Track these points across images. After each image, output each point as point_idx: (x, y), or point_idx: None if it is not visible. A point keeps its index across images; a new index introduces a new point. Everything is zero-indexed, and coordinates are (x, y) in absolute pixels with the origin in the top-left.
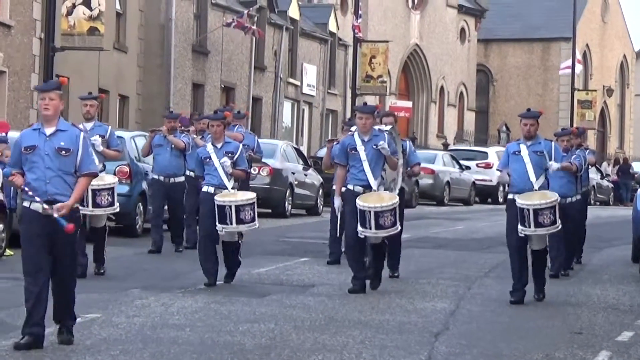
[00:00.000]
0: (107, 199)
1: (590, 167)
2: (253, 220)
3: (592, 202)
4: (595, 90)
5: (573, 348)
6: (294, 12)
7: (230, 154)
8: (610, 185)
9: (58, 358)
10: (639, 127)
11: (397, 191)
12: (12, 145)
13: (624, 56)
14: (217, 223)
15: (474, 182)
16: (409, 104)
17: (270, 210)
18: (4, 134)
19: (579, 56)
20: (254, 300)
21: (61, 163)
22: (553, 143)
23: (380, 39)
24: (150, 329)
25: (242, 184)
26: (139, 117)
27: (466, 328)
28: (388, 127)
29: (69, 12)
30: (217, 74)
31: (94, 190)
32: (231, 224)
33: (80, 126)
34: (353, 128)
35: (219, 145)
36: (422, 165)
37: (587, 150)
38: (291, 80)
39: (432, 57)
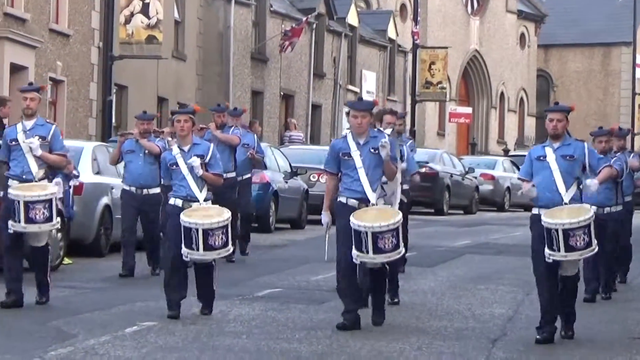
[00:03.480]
0: (43, 213)
1: (634, 172)
2: (225, 245)
3: None
4: None
5: (632, 354)
6: (352, 18)
7: (200, 158)
8: None
9: None
10: None
11: (397, 206)
12: None
13: None
14: (182, 246)
15: None
16: (469, 110)
17: None
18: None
19: (639, 60)
20: (312, 307)
21: None
22: (586, 144)
23: (439, 45)
24: (207, 336)
25: (243, 189)
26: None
27: (524, 334)
28: (388, 131)
29: (127, 21)
30: (276, 82)
31: (27, 203)
32: (197, 249)
33: (19, 126)
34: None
35: (186, 148)
36: (483, 171)
37: (632, 154)
38: (350, 87)
39: (492, 62)
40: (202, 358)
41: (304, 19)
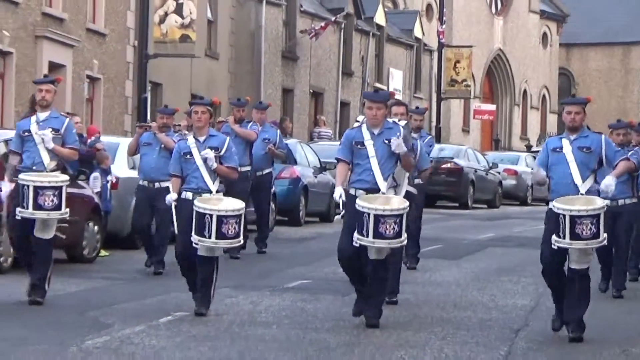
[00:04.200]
0: (52, 201)
1: None
2: (237, 236)
3: None
4: None
5: None
6: (380, 18)
7: (215, 150)
8: None
9: (149, 355)
10: None
11: (401, 195)
12: None
13: None
14: (192, 234)
15: None
16: (492, 107)
17: None
18: (96, 137)
19: None
20: (339, 298)
21: None
22: (603, 137)
23: (464, 44)
24: (239, 326)
25: (262, 184)
26: None
27: (545, 324)
28: (403, 123)
29: (162, 21)
30: (305, 79)
31: (36, 188)
32: (210, 237)
33: (33, 118)
34: (359, 118)
35: (201, 139)
36: (506, 167)
37: None
38: (378, 84)
39: (515, 61)
40: (233, 347)
41: (333, 18)
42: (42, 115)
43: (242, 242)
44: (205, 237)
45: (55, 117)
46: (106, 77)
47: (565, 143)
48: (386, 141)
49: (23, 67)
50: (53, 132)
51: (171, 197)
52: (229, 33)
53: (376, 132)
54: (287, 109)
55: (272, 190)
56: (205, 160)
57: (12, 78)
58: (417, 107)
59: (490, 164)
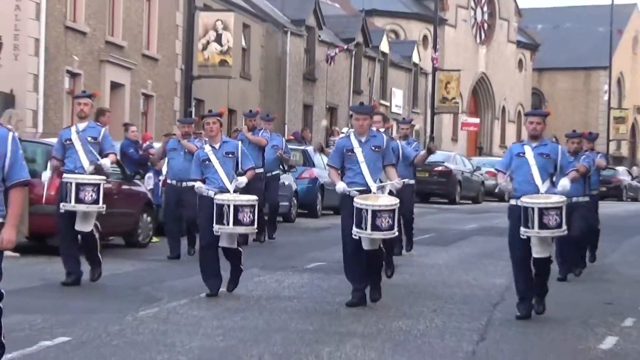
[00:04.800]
0: (92, 196)
1: (601, 170)
2: (252, 223)
3: (624, 198)
4: (628, 109)
5: (605, 315)
6: (384, 47)
7: (230, 154)
8: (639, 185)
9: (191, 323)
10: None
11: (386, 193)
12: None
13: None
14: (214, 224)
15: None
16: (477, 120)
17: None
18: (149, 142)
19: (614, 81)
20: None
21: None
22: (560, 147)
23: (454, 68)
24: (265, 300)
25: (271, 183)
26: None
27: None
28: (382, 129)
29: (204, 48)
30: (322, 97)
31: (78, 185)
32: (228, 224)
33: (73, 128)
34: (344, 130)
35: (217, 146)
36: (488, 169)
37: (599, 154)
38: (382, 101)
39: (495, 82)
40: (261, 317)
41: (346, 46)
42: (81, 125)
43: (256, 230)
44: (224, 224)
45: (92, 127)
46: (158, 94)
47: (528, 149)
48: (373, 147)
49: (89, 86)
50: (92, 139)
51: (199, 185)
52: (259, 58)
53: (363, 139)
54: (307, 121)
55: (294, 189)
56: (237, 187)
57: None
58: (403, 119)
59: (475, 167)
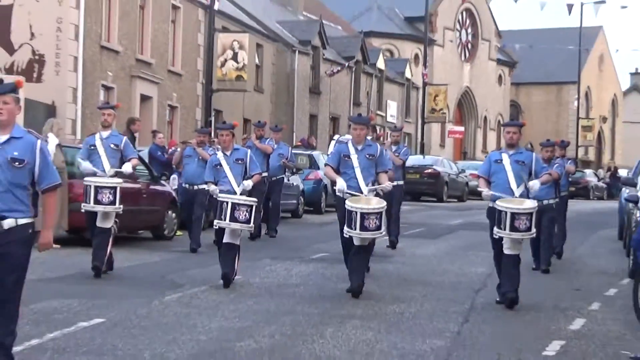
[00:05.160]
0: (109, 198)
1: (571, 175)
2: (247, 222)
3: (591, 197)
4: (594, 119)
5: (574, 300)
6: (380, 64)
7: (240, 161)
8: (604, 185)
9: (210, 306)
10: (624, 145)
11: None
12: None
13: (615, 95)
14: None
15: None
16: (462, 128)
17: None
18: (174, 148)
19: (582, 94)
20: None
21: (14, 175)
22: (534, 155)
23: (441, 83)
24: (276, 287)
25: (275, 187)
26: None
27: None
28: (369, 137)
29: (222, 65)
30: (326, 108)
31: (96, 187)
32: (224, 219)
33: (97, 135)
34: (335, 137)
35: (228, 153)
36: (471, 171)
37: (569, 161)
38: (379, 112)
39: (478, 95)
40: (272, 301)
41: (347, 63)
42: (105, 133)
43: (252, 228)
44: (222, 219)
45: (115, 135)
46: (182, 105)
47: (505, 156)
48: (367, 155)
49: (121, 99)
50: (114, 146)
51: (214, 188)
52: (271, 74)
53: (359, 147)
54: (313, 130)
55: (301, 189)
56: (245, 189)
57: None
58: (394, 126)
59: (460, 170)
